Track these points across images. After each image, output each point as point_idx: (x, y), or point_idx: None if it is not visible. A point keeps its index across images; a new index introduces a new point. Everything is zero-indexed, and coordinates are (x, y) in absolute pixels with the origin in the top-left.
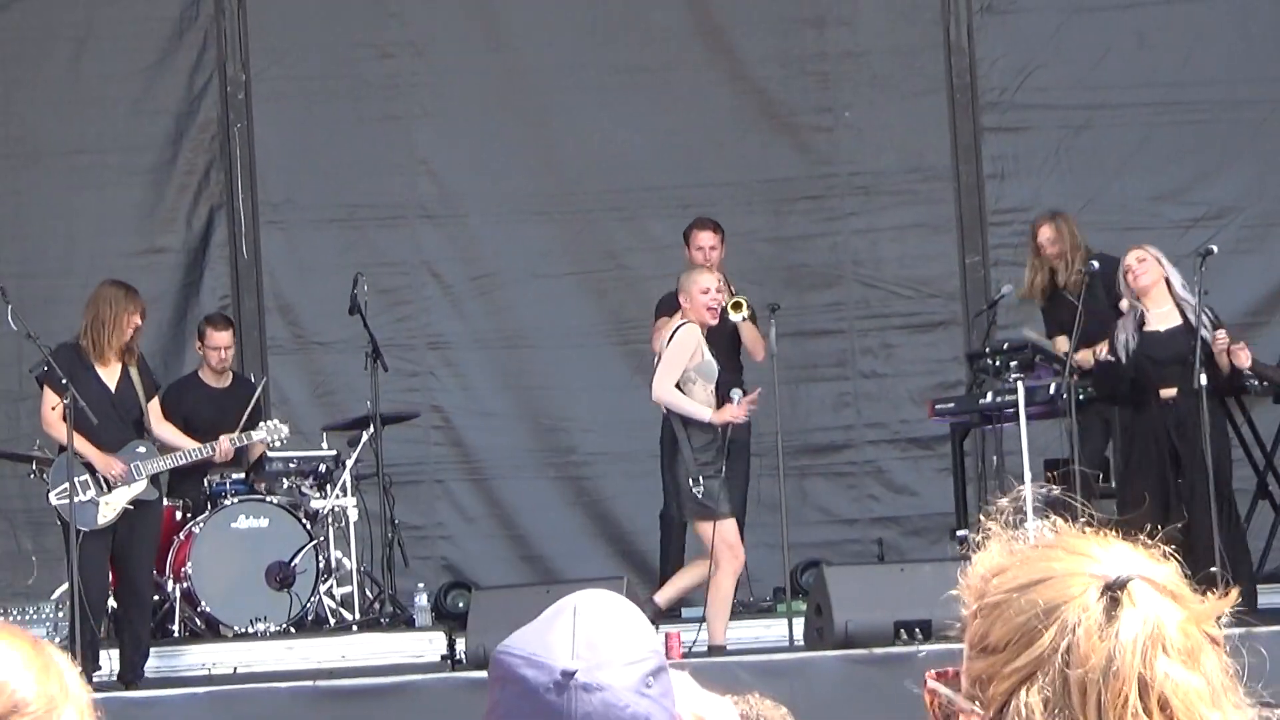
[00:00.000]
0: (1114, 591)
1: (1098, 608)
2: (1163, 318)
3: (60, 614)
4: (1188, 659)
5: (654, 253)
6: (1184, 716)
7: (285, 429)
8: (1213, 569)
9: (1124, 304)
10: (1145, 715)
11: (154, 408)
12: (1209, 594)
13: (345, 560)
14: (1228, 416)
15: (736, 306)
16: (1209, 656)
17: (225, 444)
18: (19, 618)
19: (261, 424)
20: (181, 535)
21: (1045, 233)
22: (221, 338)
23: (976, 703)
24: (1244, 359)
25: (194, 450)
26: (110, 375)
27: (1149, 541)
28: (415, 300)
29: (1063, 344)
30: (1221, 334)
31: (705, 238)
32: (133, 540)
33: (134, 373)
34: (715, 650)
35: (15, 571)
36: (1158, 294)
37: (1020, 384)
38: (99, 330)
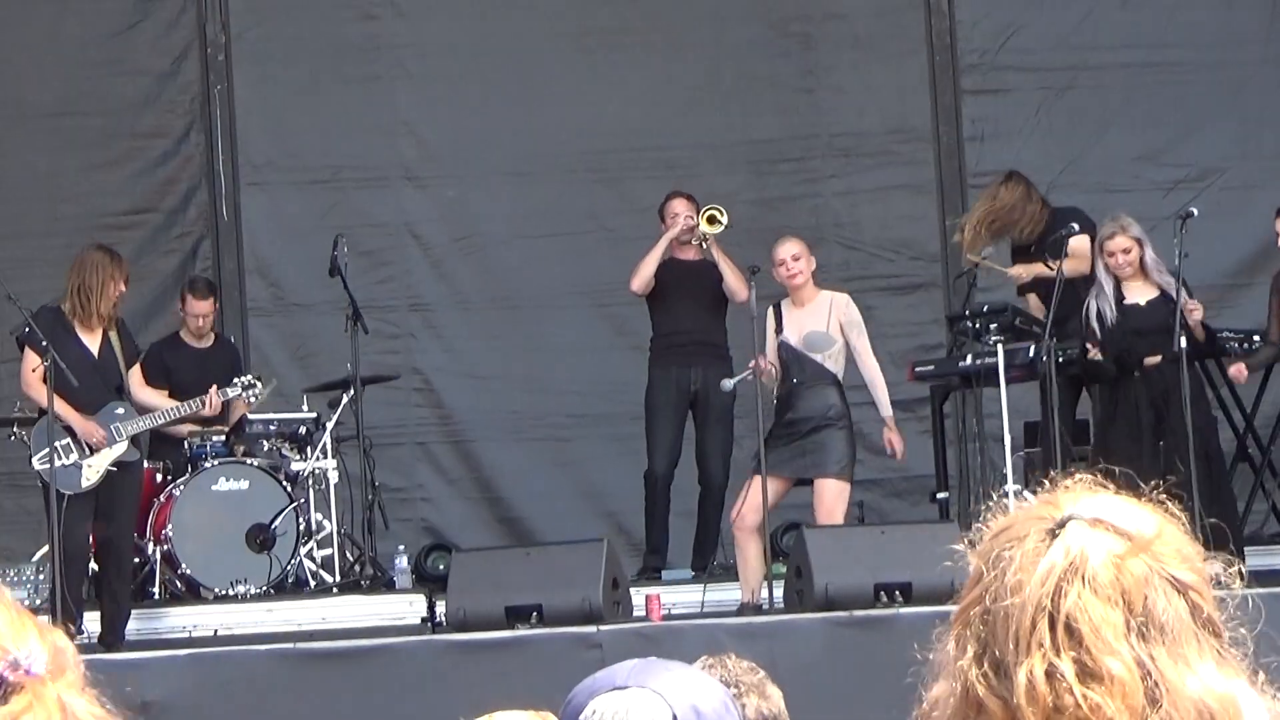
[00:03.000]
0: (1054, 530)
1: (1037, 548)
2: (1140, 290)
3: (41, 576)
4: (1113, 593)
5: (635, 215)
6: (1091, 644)
7: (259, 384)
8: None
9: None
10: (1052, 646)
11: (135, 373)
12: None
13: (325, 522)
14: (1208, 381)
15: (711, 220)
16: (1164, 597)
17: (215, 395)
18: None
19: (236, 379)
20: (161, 498)
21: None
22: (202, 306)
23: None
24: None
25: (178, 408)
26: (92, 340)
27: (1146, 493)
28: (396, 262)
29: (1034, 302)
30: (1193, 304)
31: (678, 205)
32: (115, 502)
33: (115, 338)
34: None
35: None
36: (1136, 272)
37: (1000, 347)
38: (85, 296)
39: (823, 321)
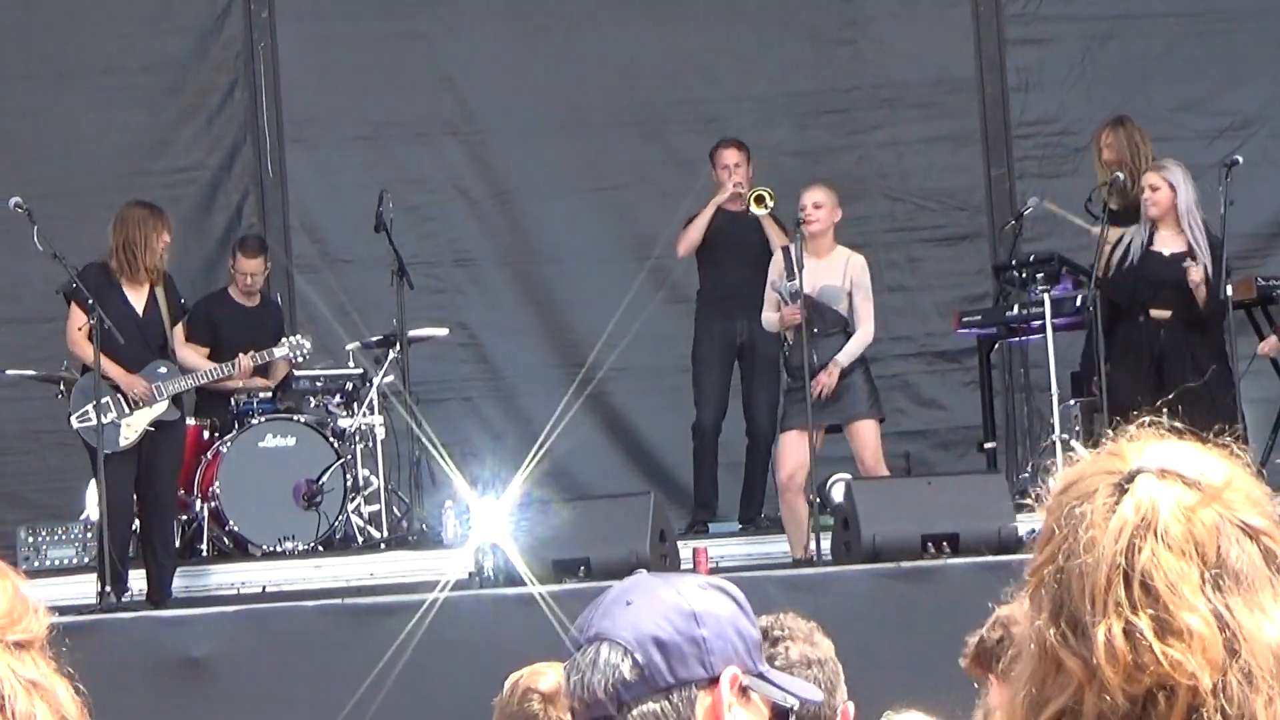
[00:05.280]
0: (1123, 485)
1: (1106, 503)
2: (1169, 241)
3: (89, 534)
4: (1185, 546)
5: (678, 167)
6: (1168, 600)
7: (308, 344)
8: None
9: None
10: (1129, 604)
11: (178, 331)
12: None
13: (373, 478)
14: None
15: (759, 200)
16: (1236, 544)
17: (245, 361)
18: (48, 538)
19: (284, 340)
20: (209, 455)
21: (1105, 139)
22: (252, 265)
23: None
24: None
25: (213, 370)
26: (138, 297)
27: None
28: (440, 217)
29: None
30: (1195, 270)
31: (729, 155)
32: (156, 461)
33: (160, 295)
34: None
35: (44, 492)
36: (1169, 218)
37: (1046, 296)
38: (129, 251)
39: (837, 277)
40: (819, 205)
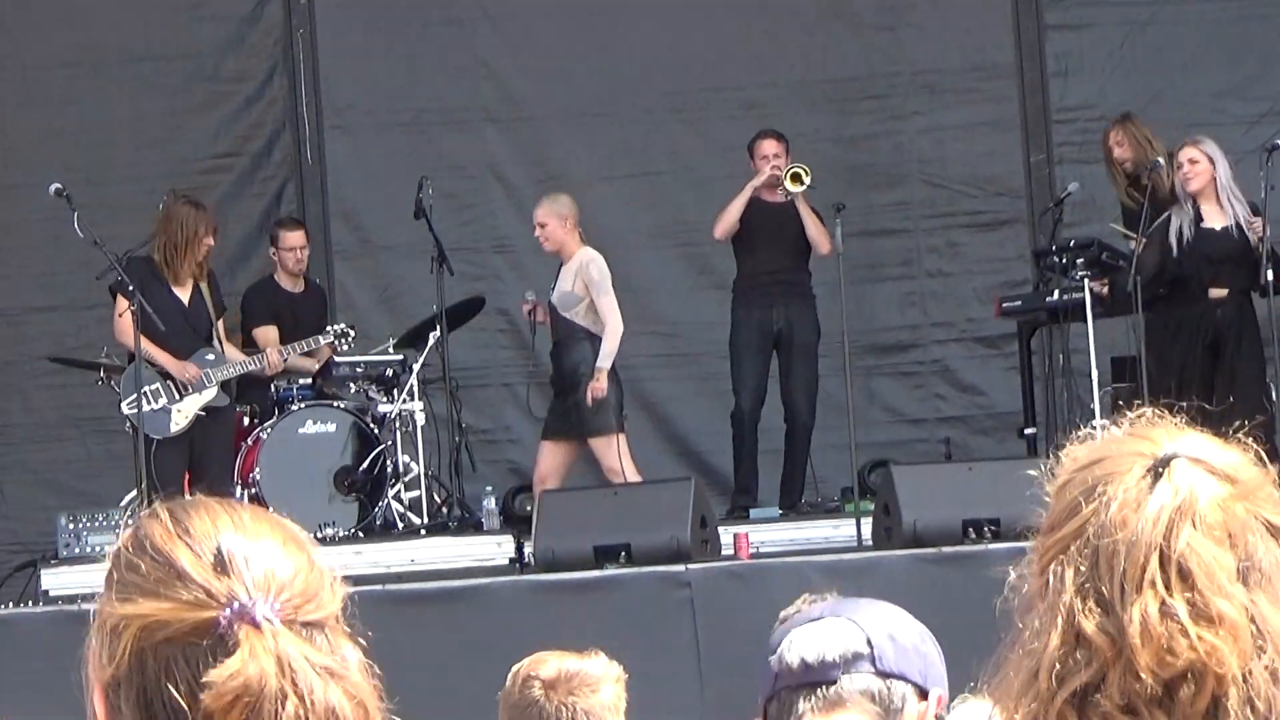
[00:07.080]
0: (1158, 468)
1: (1140, 484)
2: (1216, 216)
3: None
4: (1221, 535)
5: (717, 154)
6: (1204, 585)
7: (352, 331)
8: None
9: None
10: (1164, 585)
11: (218, 327)
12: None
13: (413, 464)
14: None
15: (796, 178)
16: (1262, 542)
17: (274, 357)
18: (88, 524)
19: (328, 327)
20: (249, 441)
21: (1114, 137)
22: (295, 238)
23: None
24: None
25: (246, 362)
26: (183, 290)
27: (1232, 434)
28: (480, 204)
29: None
30: (1257, 222)
31: (768, 146)
32: (209, 447)
33: (205, 289)
34: None
35: (84, 478)
36: (1210, 192)
37: (1087, 282)
38: (171, 251)
39: (569, 280)
40: (543, 224)
